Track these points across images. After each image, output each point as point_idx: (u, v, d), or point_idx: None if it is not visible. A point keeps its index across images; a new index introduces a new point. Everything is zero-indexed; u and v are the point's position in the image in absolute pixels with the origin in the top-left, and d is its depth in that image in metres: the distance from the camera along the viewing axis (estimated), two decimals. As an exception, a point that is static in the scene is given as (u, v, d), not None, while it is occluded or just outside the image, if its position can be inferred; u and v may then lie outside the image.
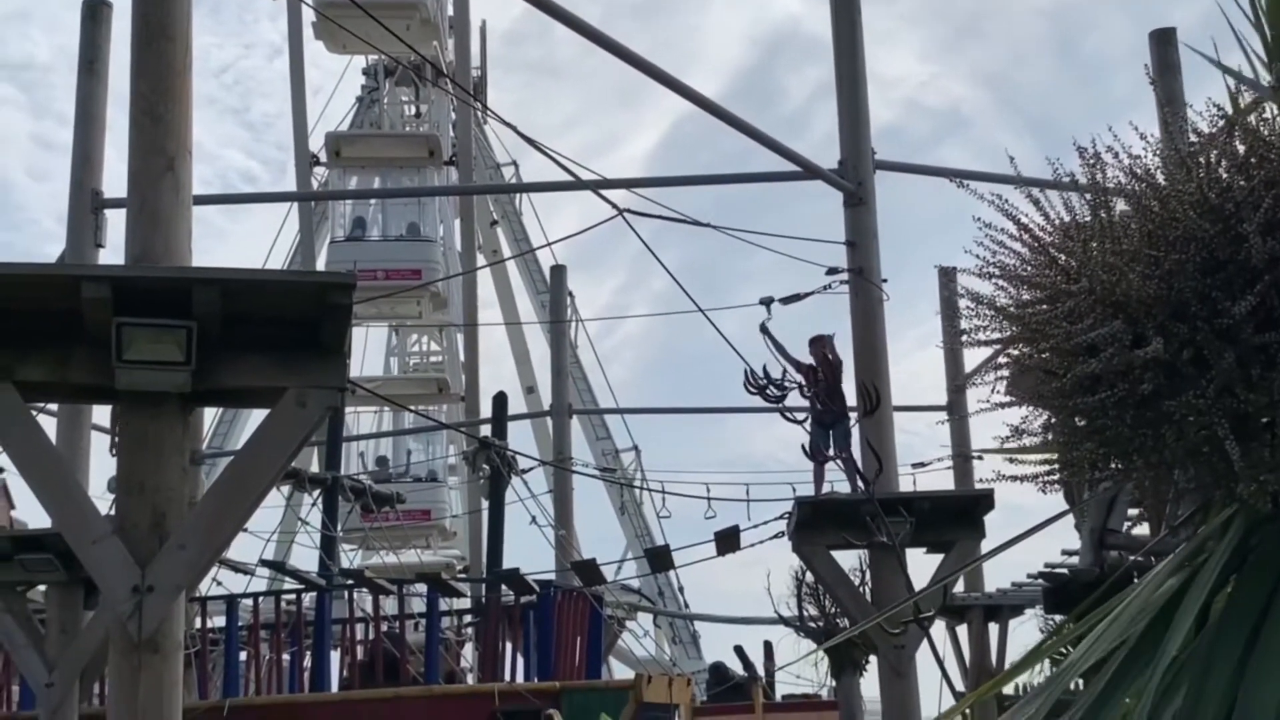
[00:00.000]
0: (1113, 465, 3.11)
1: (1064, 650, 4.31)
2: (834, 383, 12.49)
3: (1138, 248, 2.95)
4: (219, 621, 17.19)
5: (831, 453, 12.16)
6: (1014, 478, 3.19)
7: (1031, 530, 3.45)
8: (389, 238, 35.64)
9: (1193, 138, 3.23)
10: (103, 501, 12.21)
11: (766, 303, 12.42)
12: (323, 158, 35.13)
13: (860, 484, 11.45)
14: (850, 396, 12.52)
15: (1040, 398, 3.10)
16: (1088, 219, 3.16)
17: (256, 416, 7.58)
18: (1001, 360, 3.23)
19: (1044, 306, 3.04)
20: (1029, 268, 3.11)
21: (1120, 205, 3.17)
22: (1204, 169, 3.00)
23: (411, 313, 37.19)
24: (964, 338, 3.17)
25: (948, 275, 19.98)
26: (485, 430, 21.45)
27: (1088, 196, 3.11)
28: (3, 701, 17.08)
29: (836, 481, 12.75)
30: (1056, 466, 3.19)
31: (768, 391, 10.95)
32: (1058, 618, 12.90)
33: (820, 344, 12.61)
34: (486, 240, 37.95)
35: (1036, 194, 3.18)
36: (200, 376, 6.30)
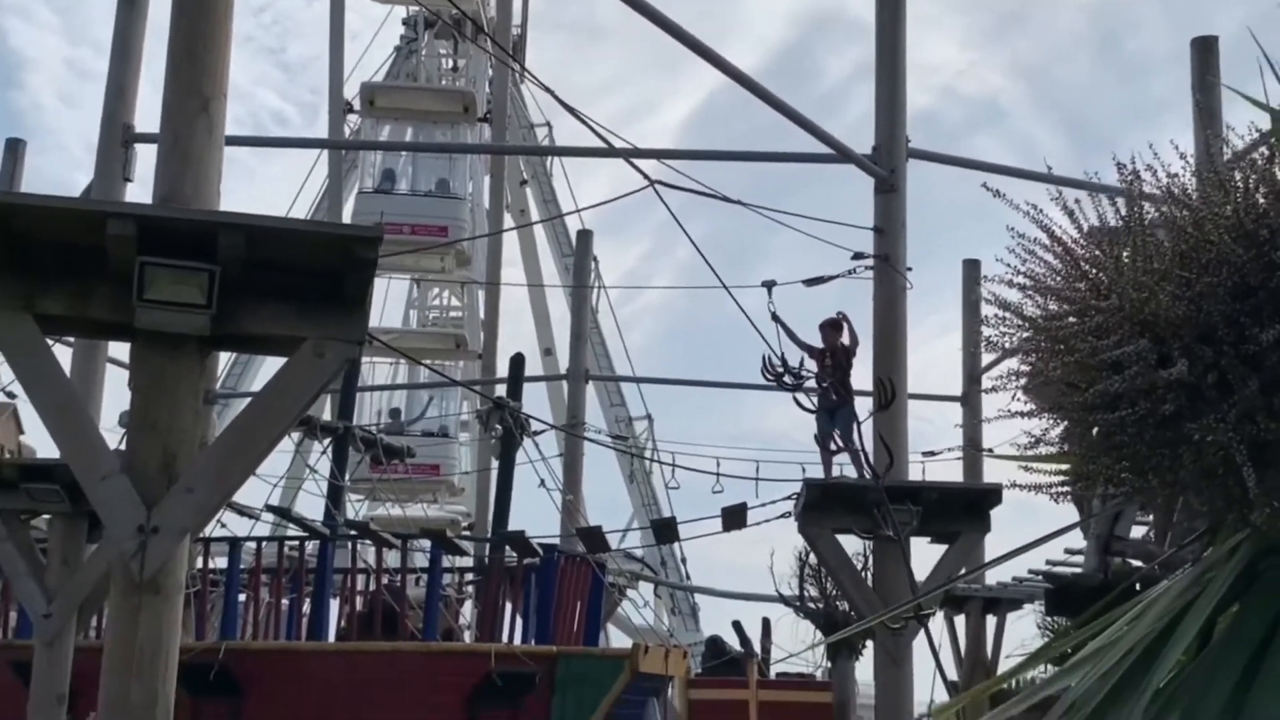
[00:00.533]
0: (1127, 482, 3.09)
1: (1068, 651, 4.29)
2: (846, 369, 12.45)
3: (1169, 267, 2.93)
4: (220, 563, 17.27)
5: (838, 443, 12.12)
6: (1027, 486, 3.18)
7: (1038, 541, 3.44)
8: (418, 192, 35.60)
9: (1230, 154, 3.20)
10: (113, 435, 12.29)
11: (769, 285, 12.33)
12: (356, 106, 35.07)
13: (868, 473, 11.44)
14: (861, 384, 12.50)
15: (1060, 409, 3.08)
16: (1120, 226, 3.13)
17: (272, 360, 7.58)
18: (1023, 368, 3.21)
19: (1071, 320, 3.02)
20: (1058, 278, 3.08)
21: (1152, 213, 3.14)
22: (1241, 193, 2.97)
23: (435, 267, 37.18)
24: (987, 344, 3.15)
25: (973, 268, 19.94)
26: (500, 390, 21.47)
27: (1122, 211, 3.08)
28: (1, 629, 17.23)
29: (847, 465, 12.74)
30: (1070, 478, 3.17)
31: (784, 379, 10.93)
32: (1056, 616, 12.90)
33: (833, 328, 12.53)
34: (515, 199, 37.87)
35: (1070, 204, 3.15)
36: (220, 321, 6.31)
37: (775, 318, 12.00)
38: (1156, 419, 2.91)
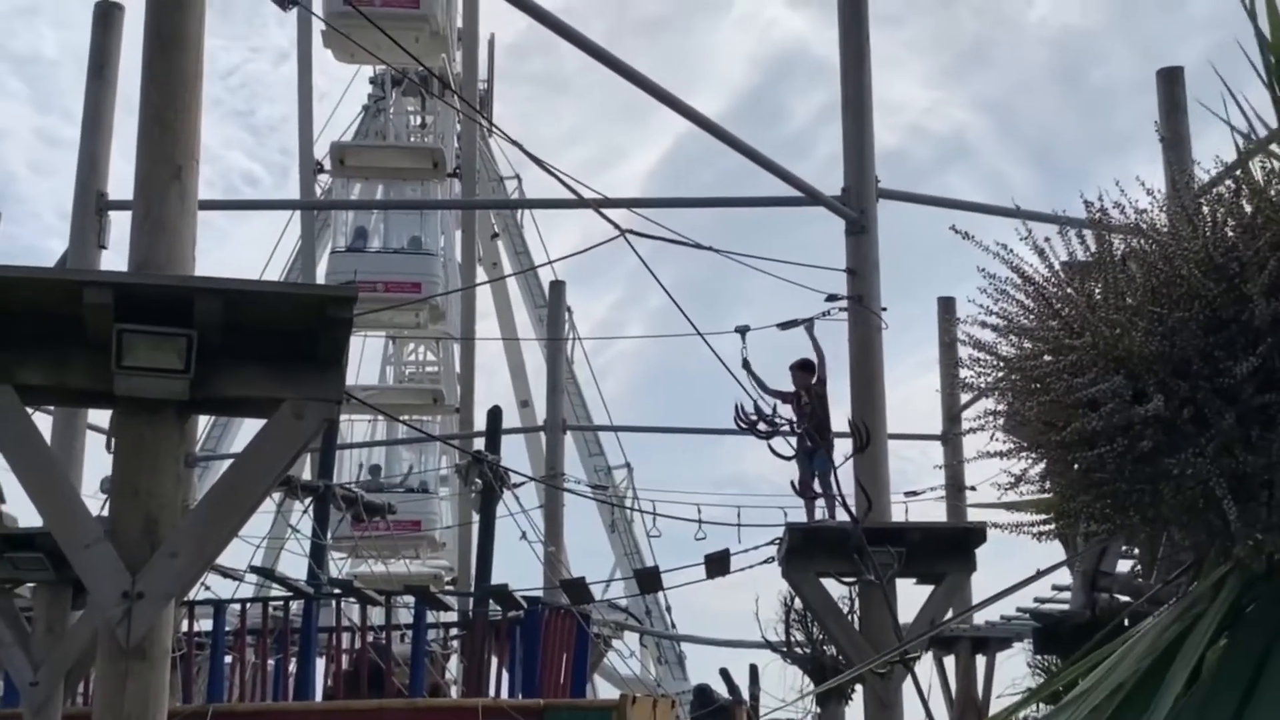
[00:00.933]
0: (1109, 518, 3.13)
1: (1059, 690, 4.29)
2: (823, 410, 12.45)
3: (1141, 303, 2.97)
4: (205, 625, 17.14)
5: (816, 486, 12.11)
6: (1008, 526, 3.21)
7: (1025, 582, 3.47)
8: (389, 249, 35.67)
9: (1198, 185, 3.25)
10: (94, 500, 12.22)
11: (743, 331, 12.38)
12: (327, 165, 35.16)
13: (846, 517, 11.43)
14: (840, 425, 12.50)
15: (1039, 447, 3.11)
16: (1091, 262, 3.18)
17: (251, 422, 7.58)
18: (1001, 408, 3.25)
19: (1046, 358, 3.06)
20: (1031, 317, 3.12)
21: (1122, 247, 3.19)
22: (1210, 227, 3.02)
23: (410, 323, 37.20)
24: (963, 385, 3.19)
25: (948, 306, 20.05)
26: (479, 444, 21.43)
27: (1092, 249, 3.13)
28: (-15, 699, 17.02)
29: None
30: (1052, 517, 3.20)
31: (758, 427, 10.94)
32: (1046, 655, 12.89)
33: (802, 369, 12.53)
34: (486, 252, 37.98)
35: (1040, 242, 3.20)
36: (198, 385, 6.32)
37: (746, 365, 12.01)
38: (1135, 455, 2.95)
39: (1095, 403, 2.97)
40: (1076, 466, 3.08)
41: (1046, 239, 3.20)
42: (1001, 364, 3.18)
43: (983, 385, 3.20)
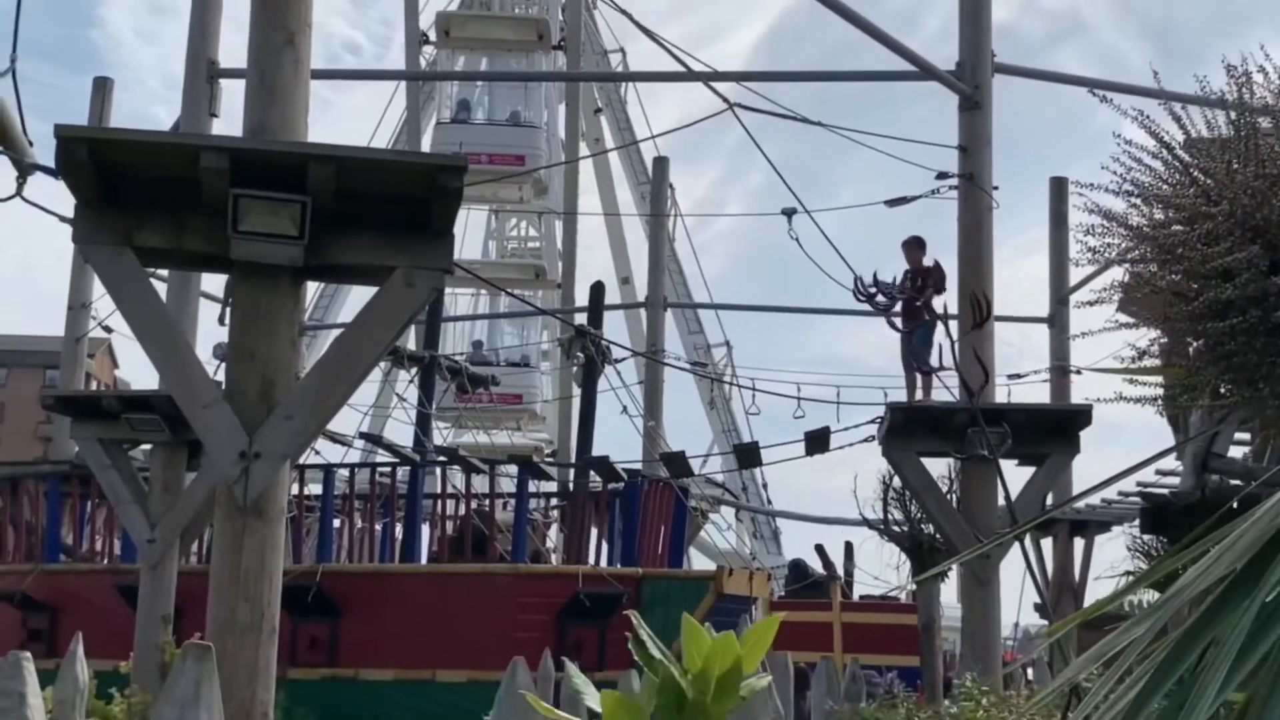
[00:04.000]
0: (1233, 395, 3.05)
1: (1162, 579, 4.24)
2: (938, 288, 12.35)
3: (1281, 172, 2.86)
4: (315, 489, 17.64)
5: (931, 362, 12.03)
6: (1133, 399, 3.14)
7: (1142, 464, 3.39)
8: (494, 121, 35.62)
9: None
10: (207, 366, 12.58)
11: (789, 213, 12.44)
12: (431, 36, 35.03)
13: (949, 396, 11.34)
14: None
15: (1166, 320, 3.04)
16: (1229, 137, 3.06)
17: (357, 291, 7.69)
18: (1126, 279, 3.17)
19: (1179, 228, 2.96)
20: (1166, 186, 3.03)
21: (1265, 123, 3.07)
22: (1359, 94, 2.89)
23: (513, 197, 37.25)
24: (1091, 255, 3.11)
25: (1059, 186, 19.57)
26: (580, 319, 21.56)
27: (1232, 116, 3.01)
28: (105, 554, 17.76)
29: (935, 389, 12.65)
30: (1175, 391, 3.14)
31: (877, 300, 10.83)
32: (1148, 537, 12.77)
33: (916, 246, 12.44)
34: (589, 128, 37.74)
35: (1178, 110, 3.09)
36: (312, 251, 6.41)
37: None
38: (1267, 327, 2.87)
39: (1229, 273, 2.88)
40: (1204, 340, 3.00)
41: (1183, 106, 3.09)
42: (1131, 234, 3.09)
43: (1109, 256, 3.12)
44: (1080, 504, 18.22)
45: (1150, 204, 3.06)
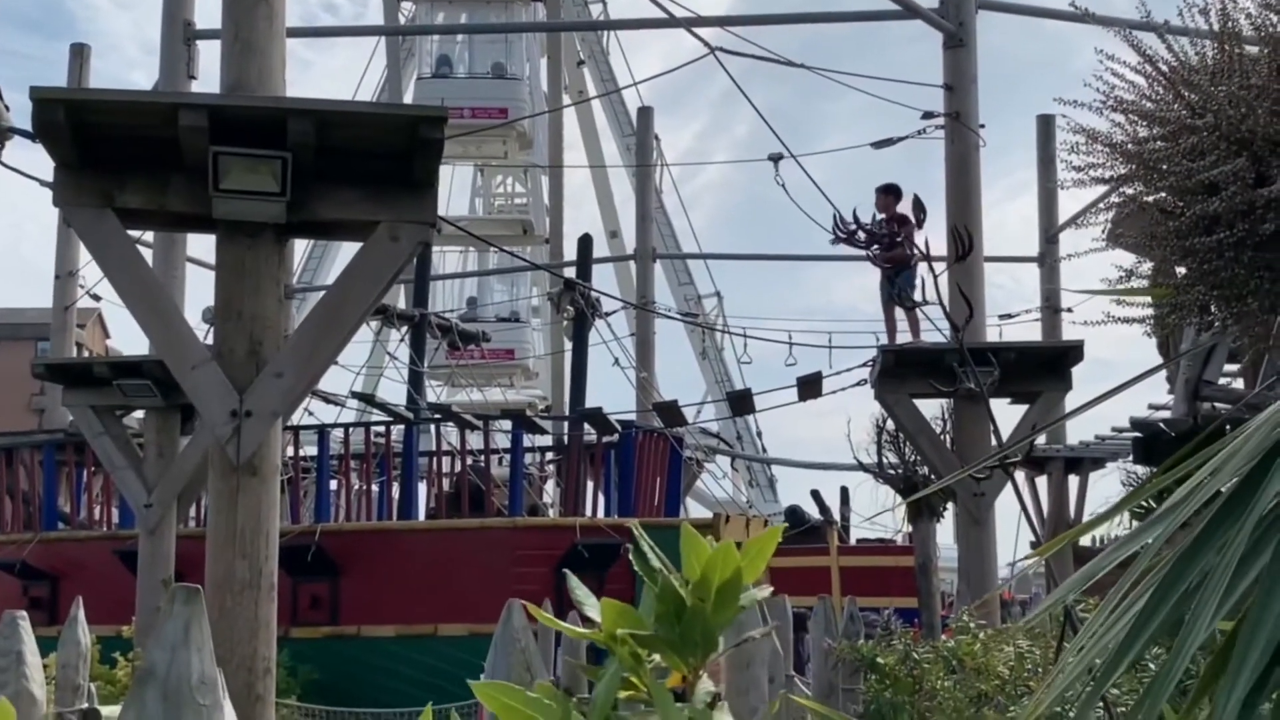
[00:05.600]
0: (1222, 311, 3.04)
1: (1146, 504, 4.26)
2: (919, 223, 12.35)
3: (1267, 83, 2.84)
4: (310, 450, 17.64)
5: (905, 301, 12.01)
6: (1122, 320, 3.13)
7: (1130, 382, 3.38)
8: (476, 75, 35.36)
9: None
10: (197, 331, 12.54)
11: (775, 159, 12.40)
12: (410, -10, 34.72)
13: (946, 335, 11.33)
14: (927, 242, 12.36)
15: (1153, 239, 3.02)
16: (1212, 55, 3.03)
17: (345, 253, 7.66)
18: (1114, 199, 3.15)
19: (1163, 143, 2.94)
20: (1149, 102, 3.00)
21: (1247, 29, 3.04)
22: (1342, 1, 2.86)
23: (497, 152, 37.03)
24: (1076, 175, 3.08)
25: (1046, 125, 19.51)
26: (569, 273, 21.51)
27: (1215, 28, 2.98)
28: (104, 520, 17.78)
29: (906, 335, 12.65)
30: (1166, 309, 3.12)
31: (856, 237, 10.79)
32: (1142, 470, 12.84)
33: (888, 193, 12.41)
34: (572, 80, 37.45)
35: (1160, 25, 3.05)
36: (294, 208, 6.36)
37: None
38: (1255, 240, 2.85)
39: (1215, 186, 2.86)
40: (1191, 258, 2.99)
41: (1165, 21, 3.06)
42: (1116, 152, 3.07)
43: (1095, 176, 3.09)
44: (1073, 441, 18.30)
45: (1134, 120, 3.04)
